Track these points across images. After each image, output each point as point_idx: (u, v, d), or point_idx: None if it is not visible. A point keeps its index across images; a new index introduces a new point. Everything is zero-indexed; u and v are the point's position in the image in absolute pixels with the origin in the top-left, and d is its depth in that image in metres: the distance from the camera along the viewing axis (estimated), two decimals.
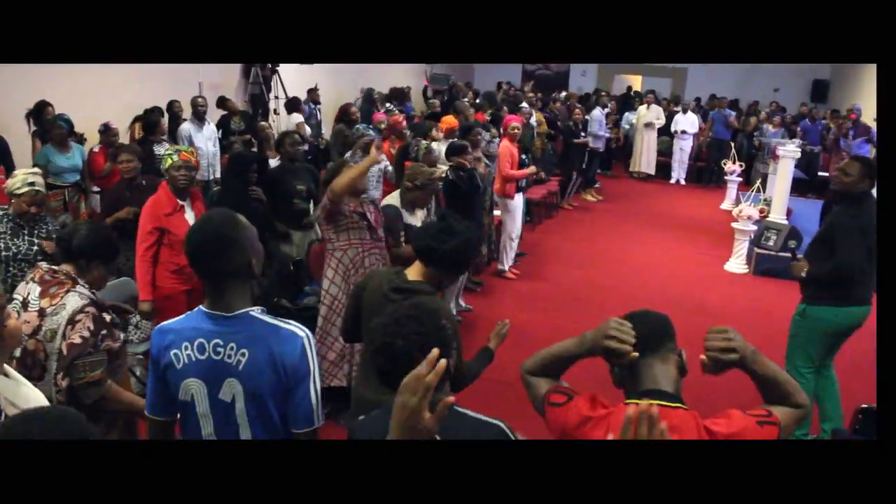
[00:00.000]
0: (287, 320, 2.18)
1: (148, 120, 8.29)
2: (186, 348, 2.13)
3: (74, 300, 2.91)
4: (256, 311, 2.15)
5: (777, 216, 9.45)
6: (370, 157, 4.65)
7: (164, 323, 2.25)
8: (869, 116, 12.54)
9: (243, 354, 2.09)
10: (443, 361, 1.56)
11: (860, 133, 12.10)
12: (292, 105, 11.19)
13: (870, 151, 11.44)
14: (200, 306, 2.19)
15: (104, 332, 2.95)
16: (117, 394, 2.95)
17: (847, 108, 13.95)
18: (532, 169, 8.17)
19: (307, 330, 2.17)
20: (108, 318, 3.01)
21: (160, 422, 2.26)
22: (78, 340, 2.84)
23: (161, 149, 7.41)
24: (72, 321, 2.87)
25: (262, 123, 8.17)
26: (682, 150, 15.29)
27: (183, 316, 2.24)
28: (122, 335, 3.13)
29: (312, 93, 12.58)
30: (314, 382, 2.14)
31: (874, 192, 4.52)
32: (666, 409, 1.91)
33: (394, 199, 5.61)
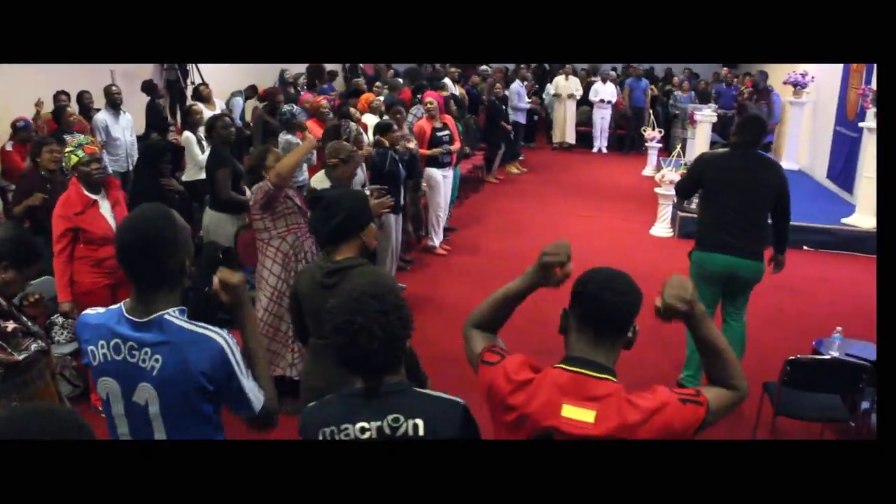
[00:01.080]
0: (204, 325, 2.07)
1: (56, 107, 7.94)
2: (102, 346, 2.07)
3: None
4: (174, 314, 2.05)
5: None
6: (309, 140, 4.58)
7: (85, 314, 2.18)
8: (778, 80, 12.98)
9: (157, 360, 2.02)
10: None
11: (762, 97, 12.78)
12: (197, 94, 10.64)
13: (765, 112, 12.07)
14: (122, 304, 2.11)
15: None
16: None
17: (745, 73, 14.45)
18: (445, 149, 8.12)
19: (222, 331, 2.08)
20: (10, 327, 2.77)
21: None
22: None
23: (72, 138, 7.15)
24: None
25: (195, 108, 7.95)
26: (603, 118, 15.50)
27: (105, 310, 2.16)
28: (35, 345, 2.84)
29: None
30: (241, 374, 2.07)
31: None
32: (590, 378, 1.94)
33: (320, 178, 5.51)
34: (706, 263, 4.81)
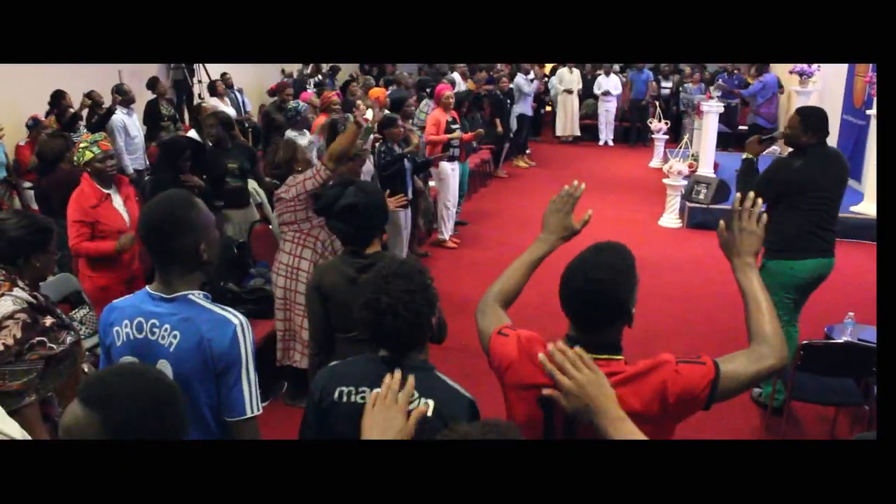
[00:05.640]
0: (223, 306, 2.17)
1: (58, 106, 7.95)
2: (126, 325, 2.17)
3: (6, 305, 2.71)
4: (197, 295, 2.16)
5: (705, 170, 9.70)
6: (354, 124, 4.63)
7: (115, 301, 2.28)
8: (784, 70, 12.97)
9: (175, 336, 2.11)
10: (411, 381, 1.91)
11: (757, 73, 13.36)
12: (214, 88, 10.89)
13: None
14: (147, 286, 2.21)
15: (38, 339, 2.72)
16: (30, 423, 2.60)
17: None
18: (456, 133, 8.16)
19: (242, 317, 2.16)
20: (48, 321, 2.80)
21: None
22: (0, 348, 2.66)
23: (78, 137, 7.18)
24: None
25: (204, 106, 8.00)
26: (608, 111, 15.53)
27: (131, 294, 2.27)
28: (69, 337, 2.87)
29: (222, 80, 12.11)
30: (247, 371, 2.14)
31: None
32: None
33: None
34: (799, 271, 4.56)
